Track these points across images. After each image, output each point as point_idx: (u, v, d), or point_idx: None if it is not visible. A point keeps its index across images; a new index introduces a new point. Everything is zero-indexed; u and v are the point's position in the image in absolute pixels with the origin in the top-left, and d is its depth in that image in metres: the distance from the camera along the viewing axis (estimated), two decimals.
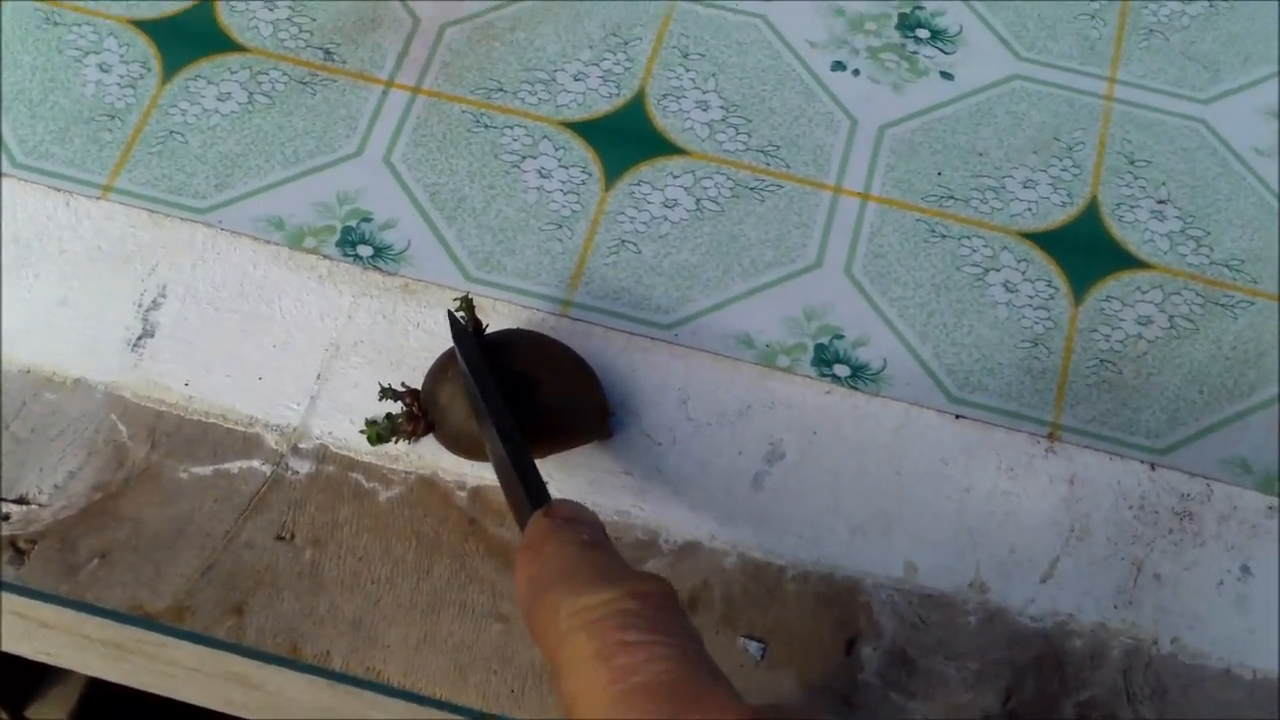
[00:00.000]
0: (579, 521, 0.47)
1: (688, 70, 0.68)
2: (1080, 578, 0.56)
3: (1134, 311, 0.62)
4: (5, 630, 0.58)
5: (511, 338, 0.57)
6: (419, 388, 0.57)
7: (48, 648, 0.59)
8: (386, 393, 0.56)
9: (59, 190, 0.63)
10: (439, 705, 0.54)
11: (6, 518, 0.56)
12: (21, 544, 0.56)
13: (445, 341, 0.59)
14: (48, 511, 0.56)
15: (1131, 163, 0.66)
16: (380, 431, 0.56)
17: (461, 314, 0.57)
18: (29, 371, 0.59)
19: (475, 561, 0.56)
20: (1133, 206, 0.65)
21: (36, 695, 1.00)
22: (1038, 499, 0.58)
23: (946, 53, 0.69)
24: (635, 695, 0.40)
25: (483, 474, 0.57)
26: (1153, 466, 0.58)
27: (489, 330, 0.58)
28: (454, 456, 0.57)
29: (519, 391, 0.55)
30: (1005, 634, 0.55)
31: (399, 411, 0.57)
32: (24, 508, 0.56)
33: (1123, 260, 0.63)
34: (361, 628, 0.55)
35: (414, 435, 0.57)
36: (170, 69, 0.66)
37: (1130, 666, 0.55)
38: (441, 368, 0.56)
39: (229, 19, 0.68)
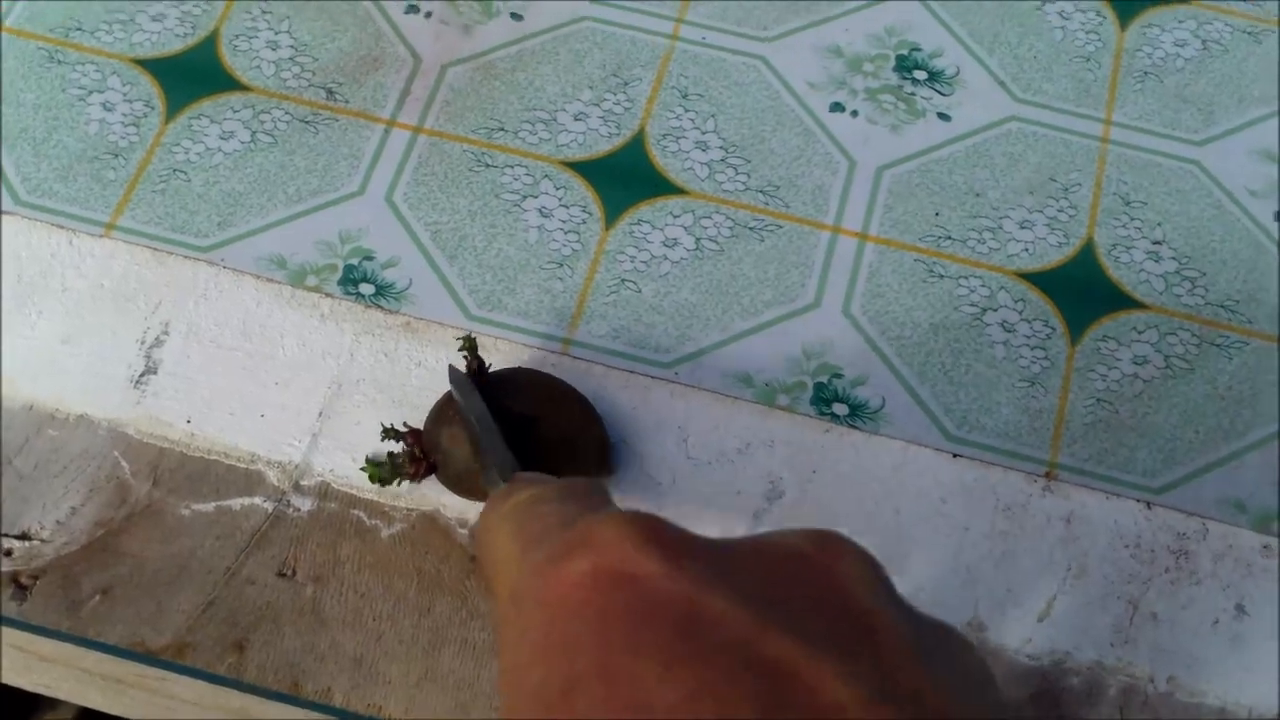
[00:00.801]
0: (540, 481, 0.47)
1: (687, 110, 0.68)
2: (1077, 616, 0.56)
3: (1130, 351, 0.62)
4: (6, 663, 0.58)
5: (512, 376, 0.58)
6: (420, 427, 0.57)
7: (46, 680, 0.59)
8: (389, 433, 0.57)
9: (62, 228, 0.63)
10: None
11: (9, 553, 0.56)
12: (24, 580, 0.56)
13: (446, 381, 0.59)
14: (50, 547, 0.57)
15: (1127, 204, 0.66)
16: (383, 474, 0.57)
17: (465, 353, 0.57)
18: (32, 408, 0.59)
19: (477, 599, 0.56)
20: (1129, 247, 0.65)
21: (33, 717, 0.99)
22: (1035, 538, 0.58)
23: (944, 94, 0.69)
24: (532, 544, 0.40)
25: None
26: (1149, 505, 0.59)
27: (491, 369, 0.58)
28: (456, 495, 0.58)
29: (520, 429, 0.55)
30: (1003, 672, 0.55)
31: (401, 452, 0.57)
32: (26, 543, 0.57)
33: (1119, 301, 0.64)
34: (363, 664, 0.55)
35: (416, 476, 0.57)
36: (173, 108, 0.67)
37: (1127, 705, 0.55)
38: (442, 409, 0.57)
39: (232, 59, 0.69)
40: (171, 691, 0.56)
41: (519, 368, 0.59)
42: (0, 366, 0.60)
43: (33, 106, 0.67)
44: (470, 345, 0.57)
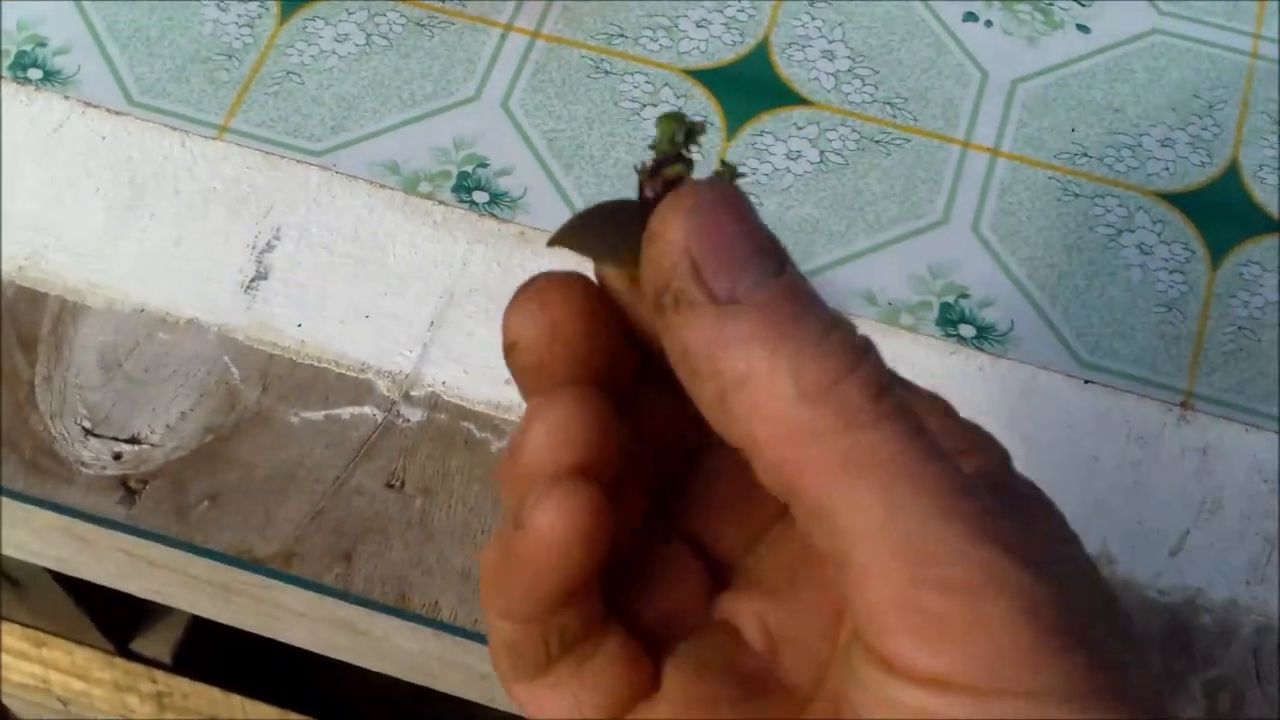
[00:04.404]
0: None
1: (814, 18, 0.66)
2: (1211, 552, 0.54)
3: (1274, 277, 0.60)
4: (115, 568, 0.58)
5: None
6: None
7: (156, 586, 0.59)
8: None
9: (175, 130, 0.62)
10: None
11: (118, 457, 0.56)
12: (133, 484, 0.56)
13: None
14: (159, 452, 0.56)
15: (1276, 123, 0.63)
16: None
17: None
18: (143, 311, 0.59)
19: None
20: (1276, 168, 0.62)
21: (141, 629, 1.01)
22: (1169, 470, 0.56)
23: (1083, 4, 0.66)
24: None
25: None
26: None
27: None
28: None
29: None
30: (1132, 607, 0.53)
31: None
32: (136, 447, 0.56)
33: (1264, 224, 0.61)
34: (470, 579, 0.54)
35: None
36: (288, 8, 0.66)
37: (1261, 645, 0.53)
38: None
39: None
40: (278, 600, 0.56)
41: None
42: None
43: (147, 7, 0.66)
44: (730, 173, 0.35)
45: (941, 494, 0.28)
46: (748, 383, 0.28)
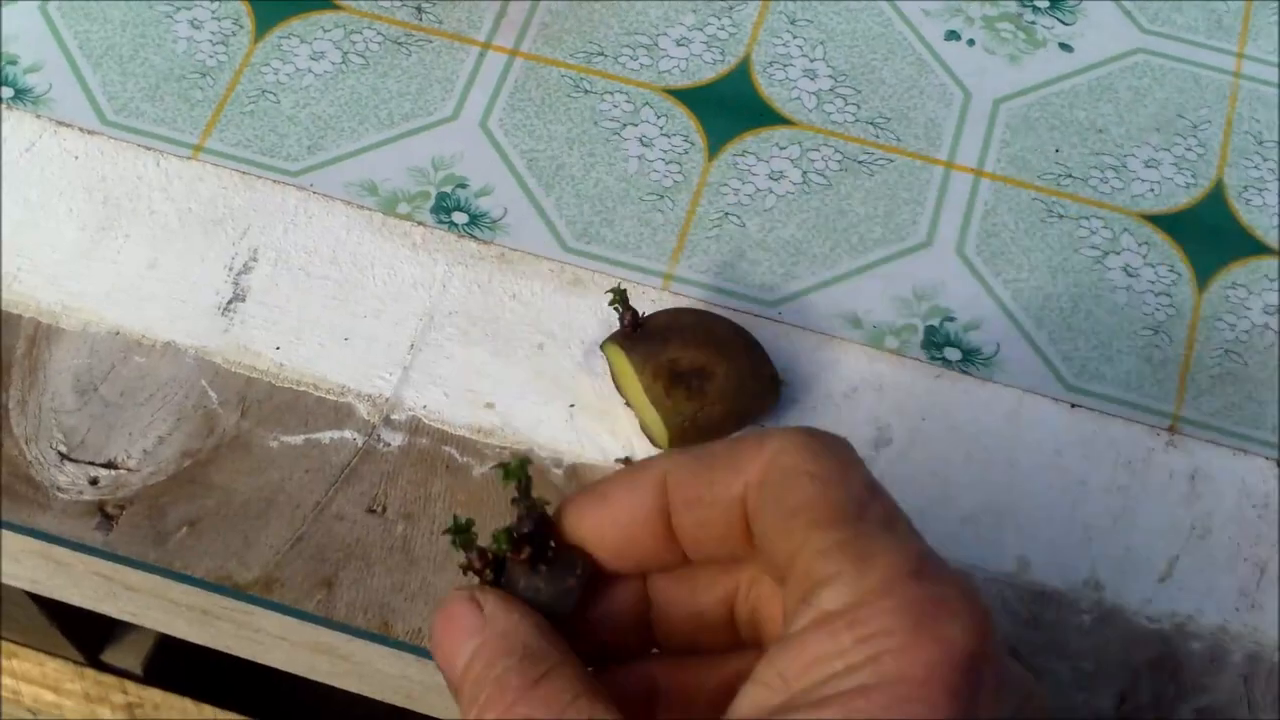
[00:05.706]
0: None
1: (795, 37, 0.65)
2: (1201, 578, 0.54)
3: (1261, 300, 0.59)
4: (91, 590, 0.57)
5: (670, 323, 0.55)
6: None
7: (134, 609, 0.58)
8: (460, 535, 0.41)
9: (149, 149, 0.62)
10: None
11: (95, 482, 0.55)
12: (110, 509, 0.55)
13: (540, 313, 0.58)
14: (137, 477, 0.55)
15: (1260, 143, 0.63)
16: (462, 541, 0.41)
17: (616, 306, 0.54)
18: (118, 333, 0.58)
19: None
20: (1261, 189, 0.62)
21: (112, 640, 1.00)
22: (1157, 495, 0.55)
23: (1066, 23, 0.66)
24: None
25: (579, 452, 0.56)
26: (1279, 464, 0.56)
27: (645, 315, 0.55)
28: (550, 431, 0.56)
29: (692, 385, 0.53)
30: (1121, 634, 0.53)
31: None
32: (113, 472, 0.55)
33: (1250, 246, 0.61)
34: None
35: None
36: (263, 27, 0.65)
37: (1252, 672, 0.53)
38: None
39: None
40: (258, 625, 0.55)
41: (679, 310, 0.56)
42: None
43: (119, 24, 0.65)
44: (621, 297, 0.55)
45: None
46: None
